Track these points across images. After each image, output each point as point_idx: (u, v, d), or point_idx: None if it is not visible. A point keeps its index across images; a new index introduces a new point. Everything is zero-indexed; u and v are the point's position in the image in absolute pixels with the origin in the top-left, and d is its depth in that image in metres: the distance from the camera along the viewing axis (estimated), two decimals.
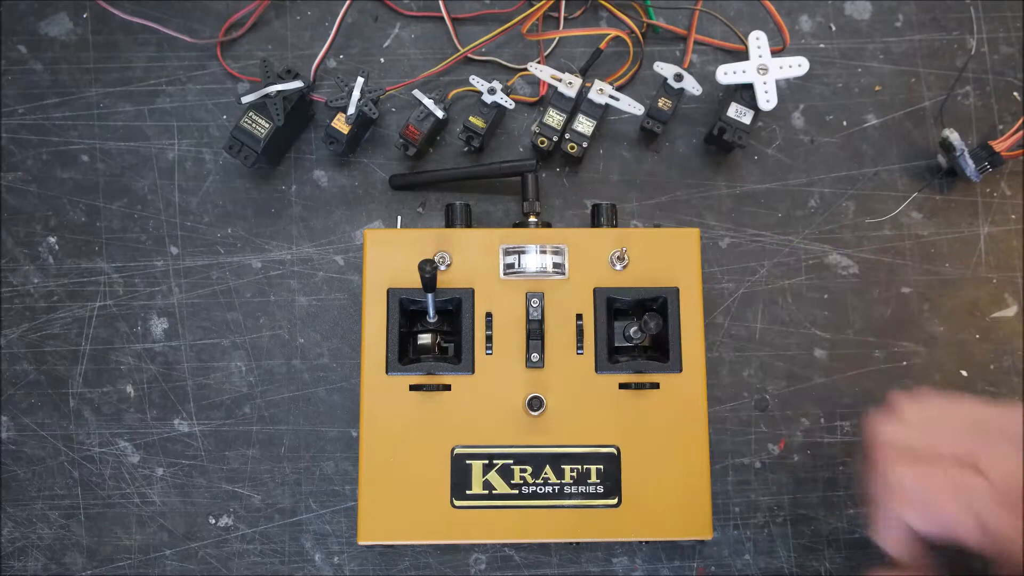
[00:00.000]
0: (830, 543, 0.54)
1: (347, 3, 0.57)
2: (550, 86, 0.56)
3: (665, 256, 0.51)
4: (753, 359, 0.56)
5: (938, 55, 0.60)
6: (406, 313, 0.51)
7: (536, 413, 0.49)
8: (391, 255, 0.51)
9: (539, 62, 0.57)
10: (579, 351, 0.50)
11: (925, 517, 0.44)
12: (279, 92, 0.54)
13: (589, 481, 0.49)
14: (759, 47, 0.54)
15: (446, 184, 0.57)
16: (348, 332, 0.56)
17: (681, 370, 0.50)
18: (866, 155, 0.59)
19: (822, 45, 0.60)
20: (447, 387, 0.50)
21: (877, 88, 0.59)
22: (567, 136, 0.55)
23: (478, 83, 0.56)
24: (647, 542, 0.53)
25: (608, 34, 0.58)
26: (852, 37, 0.60)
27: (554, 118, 0.55)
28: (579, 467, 0.49)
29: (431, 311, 0.50)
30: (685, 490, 0.49)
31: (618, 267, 0.51)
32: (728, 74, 0.54)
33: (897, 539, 0.46)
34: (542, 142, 0.55)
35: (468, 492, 0.49)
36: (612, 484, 0.49)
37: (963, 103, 0.59)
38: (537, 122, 0.56)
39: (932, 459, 0.43)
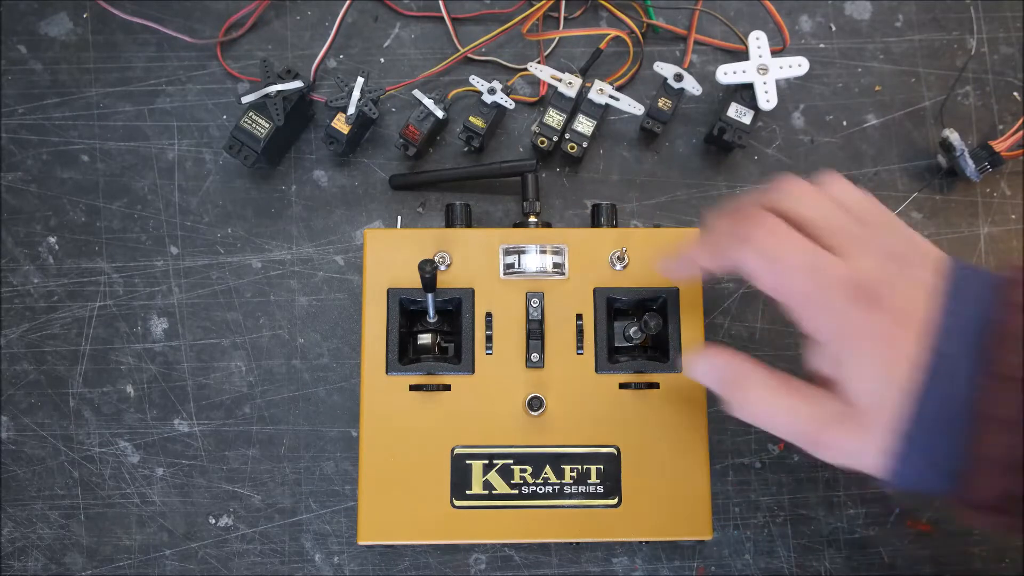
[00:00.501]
0: (830, 543, 0.54)
1: (347, 3, 0.57)
2: (550, 86, 0.56)
3: (665, 256, 0.51)
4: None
5: (938, 55, 0.60)
6: (406, 313, 0.51)
7: (536, 413, 0.49)
8: (391, 255, 0.51)
9: (539, 62, 0.57)
10: (579, 351, 0.50)
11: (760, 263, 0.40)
12: (279, 92, 0.54)
13: (589, 481, 0.49)
14: (759, 47, 0.54)
15: (446, 184, 0.57)
16: (348, 332, 0.56)
17: (681, 370, 0.50)
18: (866, 155, 0.59)
19: (822, 45, 0.60)
20: (447, 387, 0.50)
21: (877, 88, 0.59)
22: (567, 136, 0.55)
23: (478, 83, 0.56)
24: (647, 542, 0.53)
25: (608, 34, 0.58)
26: (852, 37, 0.60)
27: (554, 118, 0.55)
28: (579, 467, 0.49)
29: (431, 311, 0.50)
30: (685, 490, 0.49)
31: (618, 267, 0.51)
32: (728, 74, 0.54)
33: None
34: (542, 142, 0.55)
35: (468, 492, 0.49)
36: (612, 484, 0.49)
37: (963, 103, 0.59)
38: (537, 122, 0.56)
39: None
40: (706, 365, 0.44)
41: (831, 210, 0.41)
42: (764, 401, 0.41)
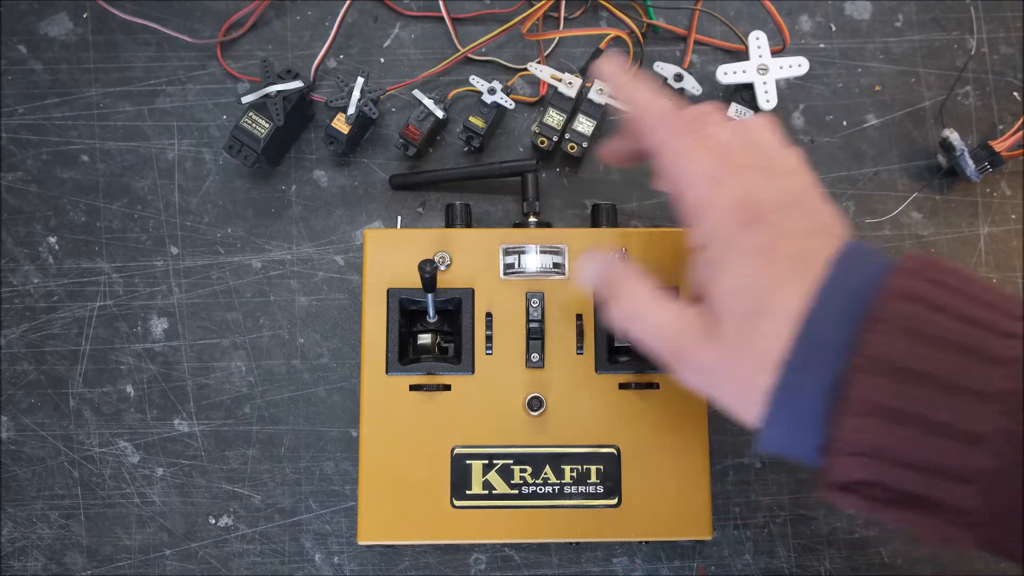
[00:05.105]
0: (830, 543, 0.54)
1: (347, 3, 0.57)
2: (550, 86, 0.56)
3: (665, 256, 0.51)
4: None
5: (938, 55, 0.60)
6: (406, 313, 0.51)
7: (536, 413, 0.49)
8: (391, 255, 0.51)
9: (539, 62, 0.57)
10: (579, 351, 0.50)
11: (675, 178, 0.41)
12: (279, 92, 0.54)
13: (589, 481, 0.49)
14: (759, 47, 0.54)
15: (446, 184, 0.57)
16: (348, 332, 0.56)
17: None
18: (866, 155, 0.59)
19: (822, 45, 0.60)
20: (447, 387, 0.50)
21: (877, 88, 0.59)
22: (567, 136, 0.55)
23: (478, 83, 0.56)
24: (647, 542, 0.53)
25: (608, 34, 0.58)
26: (852, 37, 0.60)
27: (554, 118, 0.55)
28: (579, 467, 0.49)
29: (431, 311, 0.50)
30: (685, 490, 0.49)
31: None
32: (728, 74, 0.54)
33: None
34: (542, 142, 0.55)
35: (468, 492, 0.49)
36: (612, 484, 0.49)
37: (963, 103, 0.59)
38: (537, 122, 0.56)
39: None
40: (590, 268, 0.45)
41: (744, 141, 0.41)
42: (633, 308, 0.42)
